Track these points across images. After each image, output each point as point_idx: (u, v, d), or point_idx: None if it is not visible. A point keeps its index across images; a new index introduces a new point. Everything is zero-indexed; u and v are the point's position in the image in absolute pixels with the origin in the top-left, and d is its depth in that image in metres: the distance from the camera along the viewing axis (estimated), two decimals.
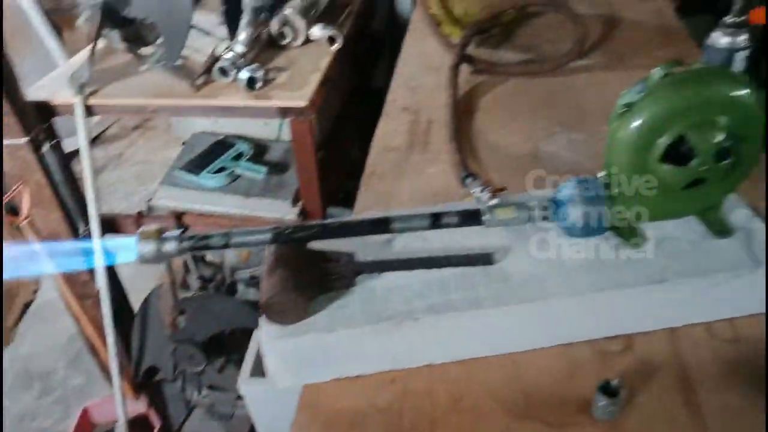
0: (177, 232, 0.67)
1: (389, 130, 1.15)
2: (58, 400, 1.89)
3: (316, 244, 0.72)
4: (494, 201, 0.79)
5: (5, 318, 2.13)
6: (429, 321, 0.66)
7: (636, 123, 0.61)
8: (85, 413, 1.69)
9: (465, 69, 1.26)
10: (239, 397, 1.62)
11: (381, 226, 0.68)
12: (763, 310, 0.69)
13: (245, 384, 1.43)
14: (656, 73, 0.60)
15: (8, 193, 1.34)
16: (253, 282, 1.72)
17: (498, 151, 1.04)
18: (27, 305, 2.23)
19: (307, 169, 1.38)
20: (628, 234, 0.71)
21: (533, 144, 1.04)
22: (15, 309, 2.19)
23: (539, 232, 0.72)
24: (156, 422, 1.62)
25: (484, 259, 0.70)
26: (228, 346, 1.58)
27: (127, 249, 0.67)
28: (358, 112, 1.92)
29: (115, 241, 0.69)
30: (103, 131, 3.07)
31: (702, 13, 1.32)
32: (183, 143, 1.87)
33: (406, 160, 1.05)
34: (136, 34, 1.44)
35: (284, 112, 1.30)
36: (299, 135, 1.34)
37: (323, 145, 1.63)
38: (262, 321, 0.68)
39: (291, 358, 0.68)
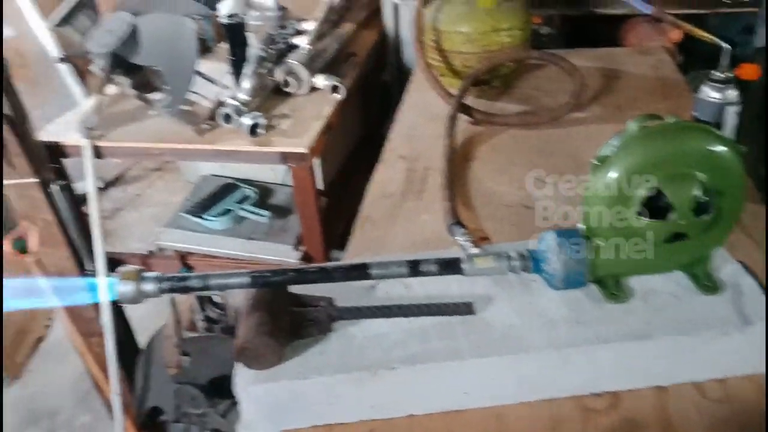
0: (155, 273, 0.68)
1: (386, 177, 1.17)
2: None
3: (296, 289, 0.72)
4: (475, 250, 0.79)
5: (16, 353, 2.15)
6: (407, 371, 0.65)
7: (610, 175, 0.61)
8: None
9: (464, 119, 1.27)
10: None
11: (359, 272, 0.68)
12: (755, 371, 0.67)
13: (244, 429, 1.41)
14: (631, 126, 0.61)
15: (15, 231, 1.37)
16: None
17: (492, 199, 1.05)
18: (39, 340, 2.25)
19: (308, 213, 1.39)
20: (612, 287, 0.70)
21: (526, 193, 1.04)
22: (27, 344, 2.21)
23: (521, 283, 0.71)
24: None
25: (464, 308, 0.69)
26: (231, 390, 1.56)
27: (108, 288, 0.68)
28: (365, 159, 1.94)
29: (97, 280, 0.70)
30: (124, 172, 3.13)
31: (705, 69, 1.33)
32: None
33: (400, 207, 1.06)
34: (144, 81, 1.49)
35: (285, 157, 1.33)
36: (300, 180, 1.36)
37: (328, 191, 1.65)
38: (237, 366, 0.68)
39: (266, 404, 0.67)
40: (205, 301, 1.84)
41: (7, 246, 1.32)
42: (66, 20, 1.54)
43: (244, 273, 0.68)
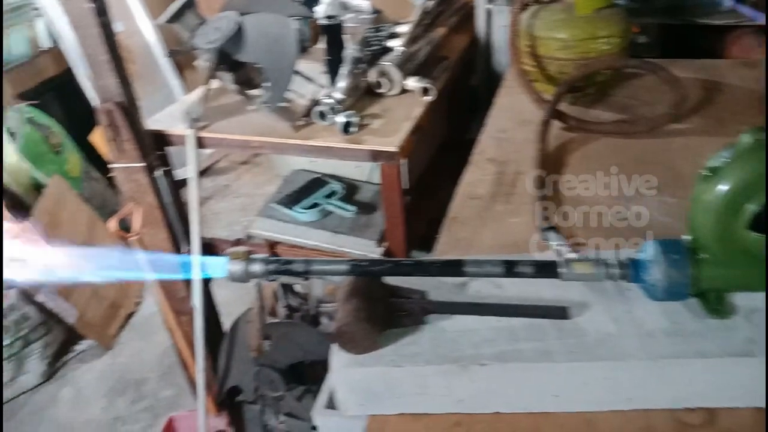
0: (263, 255, 0.72)
1: (474, 179, 1.17)
2: (147, 408, 2.01)
3: (391, 280, 0.75)
4: (572, 255, 0.79)
5: (109, 325, 2.31)
6: (497, 368, 0.67)
7: (722, 188, 0.60)
8: (170, 423, 1.78)
9: (556, 125, 1.26)
10: (314, 428, 1.65)
11: (454, 268, 0.70)
12: None
13: (320, 415, 1.46)
14: (745, 138, 0.59)
15: (121, 211, 1.48)
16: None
17: (583, 206, 1.04)
18: (129, 315, 2.41)
19: (393, 211, 1.42)
20: (714, 301, 0.68)
21: (622, 203, 1.02)
22: (118, 318, 2.36)
23: (617, 291, 0.71)
24: None
25: (559, 312, 0.70)
26: (308, 376, 1.62)
27: (218, 267, 0.73)
28: (448, 162, 1.96)
29: (208, 258, 0.75)
30: (214, 164, 3.31)
31: None
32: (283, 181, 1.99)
33: (488, 209, 1.07)
34: (246, 77, 1.57)
35: (375, 155, 1.36)
36: (388, 178, 1.39)
37: (413, 191, 1.68)
38: (334, 348, 0.71)
39: (358, 388, 0.70)
40: (287, 290, 1.92)
41: (113, 224, 1.42)
42: (176, 17, 1.63)
43: (343, 261, 0.71)
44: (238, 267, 0.70)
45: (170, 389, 2.07)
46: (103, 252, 0.84)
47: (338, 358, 0.70)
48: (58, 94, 2.95)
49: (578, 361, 0.66)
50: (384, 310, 0.71)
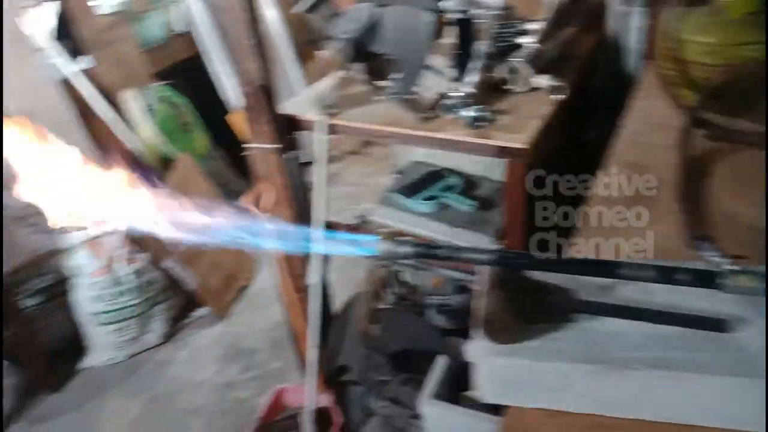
0: (410, 238, 0.76)
1: (609, 183, 1.15)
2: (256, 377, 2.13)
3: (536, 275, 0.76)
4: (735, 266, 0.76)
5: (225, 295, 2.46)
6: (647, 374, 0.66)
7: None
8: (278, 394, 1.88)
9: (697, 132, 1.21)
10: (415, 416, 1.69)
11: (606, 269, 0.70)
12: None
13: (426, 404, 1.50)
14: None
15: (255, 190, 1.57)
16: (443, 309, 1.79)
17: (731, 220, 1.00)
18: (243, 288, 2.55)
19: (515, 209, 1.42)
20: None
21: None
22: (233, 290, 2.51)
23: None
24: (338, 418, 1.75)
25: (717, 324, 0.68)
26: (414, 365, 1.66)
27: (368, 245, 0.77)
28: (565, 162, 1.92)
29: (359, 236, 0.79)
30: (330, 150, 3.42)
31: None
32: (398, 172, 2.03)
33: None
34: (376, 68, 1.61)
35: (502, 151, 1.36)
36: (512, 176, 1.39)
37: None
38: (477, 335, 0.73)
39: (499, 377, 0.72)
40: (395, 278, 1.97)
41: (247, 201, 1.52)
42: (312, 8, 1.71)
43: (491, 250, 0.73)
44: (387, 246, 0.74)
45: (278, 362, 2.18)
46: (247, 222, 0.91)
47: (482, 345, 0.72)
48: (187, 76, 3.16)
49: (736, 376, 0.64)
50: (530, 303, 0.73)
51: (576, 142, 2.04)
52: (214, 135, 2.98)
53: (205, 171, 2.68)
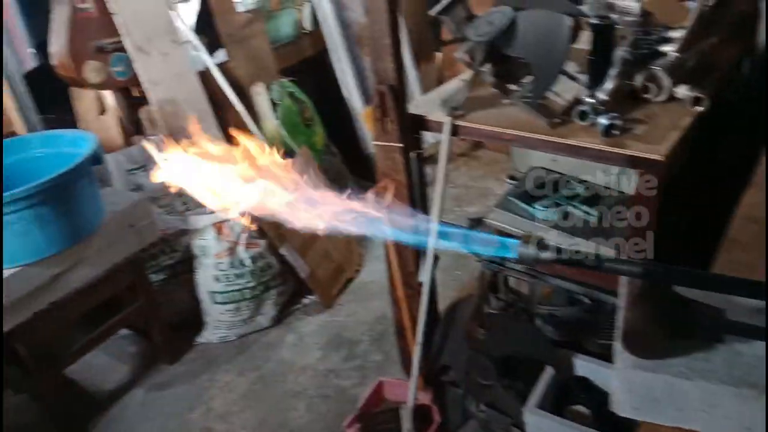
0: (555, 242, 0.75)
1: (756, 201, 1.08)
2: (358, 367, 2.18)
3: (682, 291, 0.73)
4: None
5: (332, 286, 2.54)
6: None
7: None
8: (379, 386, 1.92)
9: None
10: (516, 424, 1.66)
11: (758, 289, 0.66)
12: None
13: (531, 413, 1.48)
14: None
15: (378, 185, 1.61)
16: (552, 320, 1.75)
17: None
18: (349, 280, 2.63)
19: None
20: None
21: None
22: (340, 281, 2.59)
23: None
24: (436, 417, 1.76)
25: None
26: (518, 372, 1.64)
27: (507, 247, 0.77)
28: (690, 177, 1.82)
29: (497, 237, 0.79)
30: (435, 153, 3.44)
31: None
32: (512, 177, 2.01)
33: None
34: (506, 71, 1.60)
35: (635, 162, 1.32)
36: (645, 188, 1.33)
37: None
38: (618, 348, 0.71)
39: (638, 391, 0.70)
40: (503, 284, 1.95)
41: (370, 196, 1.56)
42: (446, 10, 1.73)
43: (637, 262, 0.71)
44: (528, 250, 0.74)
45: (379, 355, 2.23)
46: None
47: (622, 357, 0.70)
48: (311, 73, 3.29)
49: None
50: (676, 319, 0.70)
51: (711, 157, 1.92)
52: (330, 131, 3.08)
53: (320, 166, 2.78)
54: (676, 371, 0.67)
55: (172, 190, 0.86)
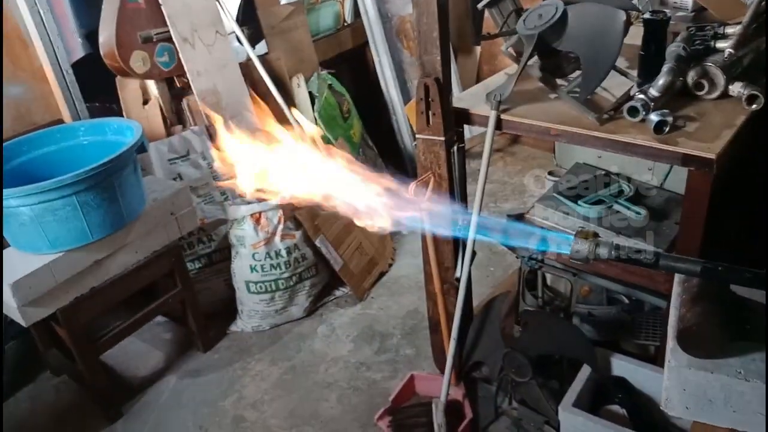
0: (611, 240, 0.73)
1: None
2: (389, 360, 2.18)
3: (742, 291, 0.70)
4: None
5: (365, 279, 2.54)
6: None
7: None
8: (411, 380, 1.91)
9: None
10: (548, 422, 1.64)
11: None
12: None
13: (566, 412, 1.45)
14: None
15: (420, 178, 1.61)
16: (590, 319, 1.72)
17: None
18: (382, 274, 2.63)
19: (693, 223, 1.33)
20: None
21: None
22: (373, 275, 2.60)
23: None
24: (468, 412, 1.75)
25: None
26: (553, 370, 1.61)
27: (561, 243, 0.75)
28: (749, 177, 1.76)
29: (548, 232, 0.78)
30: (471, 148, 3.42)
31: None
32: (549, 173, 1.98)
33: None
34: (554, 66, 1.57)
35: (687, 160, 1.28)
36: (696, 187, 1.30)
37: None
38: (673, 346, 0.69)
39: (692, 391, 0.68)
40: (541, 282, 1.92)
41: (411, 189, 1.55)
42: (493, 2, 1.71)
43: (696, 261, 0.69)
44: (583, 246, 0.72)
45: (411, 349, 2.22)
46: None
47: (677, 356, 0.68)
48: (350, 65, 3.30)
49: None
50: (734, 320, 0.68)
51: (764, 156, 1.86)
52: (367, 124, 3.08)
53: (356, 158, 2.78)
54: (734, 372, 0.65)
55: (224, 170, 0.86)
